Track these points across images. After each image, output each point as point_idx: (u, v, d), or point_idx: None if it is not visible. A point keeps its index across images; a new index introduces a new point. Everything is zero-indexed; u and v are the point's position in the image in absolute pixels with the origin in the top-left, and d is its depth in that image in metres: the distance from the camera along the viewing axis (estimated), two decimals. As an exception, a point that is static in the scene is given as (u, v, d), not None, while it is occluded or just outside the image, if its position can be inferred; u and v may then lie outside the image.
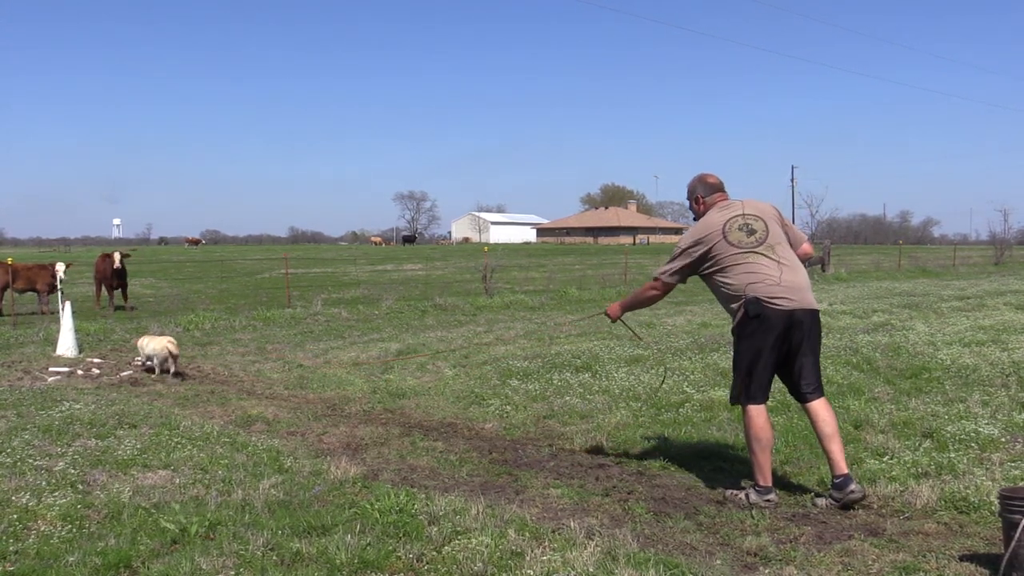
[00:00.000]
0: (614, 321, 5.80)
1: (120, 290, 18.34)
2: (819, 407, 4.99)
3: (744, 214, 5.13)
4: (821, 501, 4.93)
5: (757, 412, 4.99)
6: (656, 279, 5.36)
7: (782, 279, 4.92)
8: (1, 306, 16.89)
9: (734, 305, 5.01)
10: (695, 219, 5.39)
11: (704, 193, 5.33)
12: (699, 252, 5.14)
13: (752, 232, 5.05)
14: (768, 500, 4.92)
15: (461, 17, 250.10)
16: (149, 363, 10.08)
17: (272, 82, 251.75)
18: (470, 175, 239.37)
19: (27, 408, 7.65)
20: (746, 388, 5.03)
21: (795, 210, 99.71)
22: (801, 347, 4.97)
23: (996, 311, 14.24)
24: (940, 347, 9.88)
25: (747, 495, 4.98)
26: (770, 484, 4.98)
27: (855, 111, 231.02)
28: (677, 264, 5.25)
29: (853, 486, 4.81)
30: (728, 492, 5.12)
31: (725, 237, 5.05)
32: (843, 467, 4.89)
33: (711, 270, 5.13)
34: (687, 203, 5.55)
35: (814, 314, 5.03)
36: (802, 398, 5.05)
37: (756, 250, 4.98)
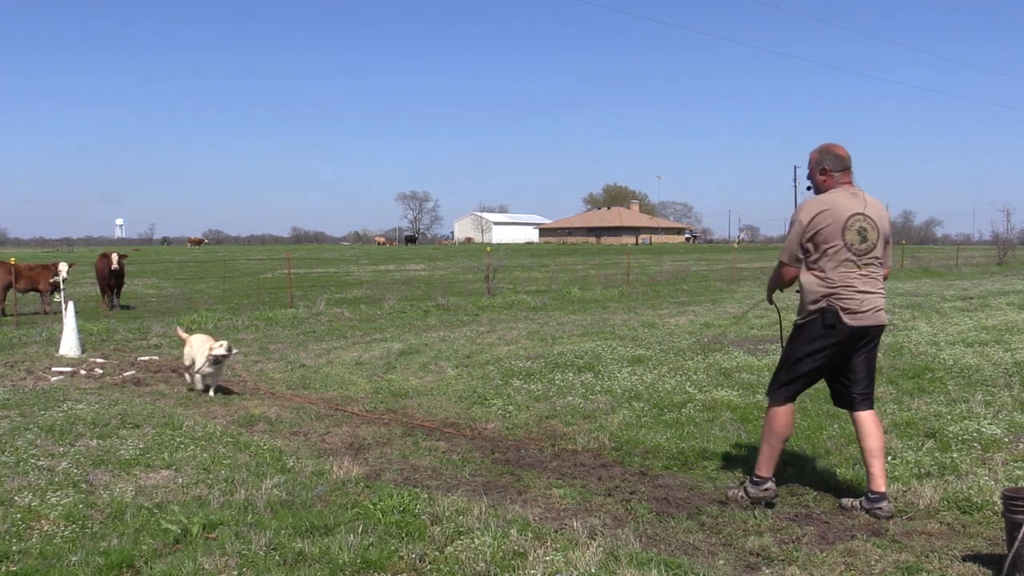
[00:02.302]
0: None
1: (116, 289, 18.40)
2: (868, 419, 4.86)
3: (866, 215, 4.73)
4: (847, 501, 4.89)
5: (786, 410, 4.90)
6: (780, 262, 4.91)
7: (865, 298, 4.71)
8: (4, 306, 16.92)
9: (812, 305, 4.74)
10: (817, 192, 4.89)
11: (833, 166, 4.82)
12: (815, 230, 4.68)
13: (864, 239, 4.71)
14: (766, 490, 4.90)
15: (464, 17, 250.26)
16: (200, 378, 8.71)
17: (275, 82, 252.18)
18: (473, 175, 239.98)
19: (30, 408, 7.66)
20: (787, 387, 4.89)
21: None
22: (860, 357, 4.84)
23: (999, 311, 14.22)
24: (943, 347, 9.87)
25: (745, 490, 4.96)
26: (770, 475, 4.92)
27: (857, 111, 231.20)
28: (794, 241, 4.77)
29: (885, 504, 4.71)
30: (730, 492, 5.08)
31: (844, 231, 4.67)
32: (882, 485, 4.76)
33: (807, 254, 4.76)
34: (808, 177, 4.96)
35: (881, 329, 4.89)
36: (851, 406, 4.90)
37: (859, 260, 4.69)
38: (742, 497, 4.95)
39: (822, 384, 4.80)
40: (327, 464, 5.75)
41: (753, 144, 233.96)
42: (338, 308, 17.29)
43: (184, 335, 9.45)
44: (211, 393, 8.48)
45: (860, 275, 4.71)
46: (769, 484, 4.91)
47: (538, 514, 4.76)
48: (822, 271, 4.70)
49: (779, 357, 5.10)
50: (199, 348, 8.59)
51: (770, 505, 4.91)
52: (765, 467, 4.93)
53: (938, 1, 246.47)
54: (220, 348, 8.42)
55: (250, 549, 4.12)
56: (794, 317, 4.96)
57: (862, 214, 4.70)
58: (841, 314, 4.67)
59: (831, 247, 4.66)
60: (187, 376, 8.91)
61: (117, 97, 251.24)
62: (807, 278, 4.76)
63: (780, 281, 4.97)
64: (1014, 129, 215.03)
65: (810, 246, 4.72)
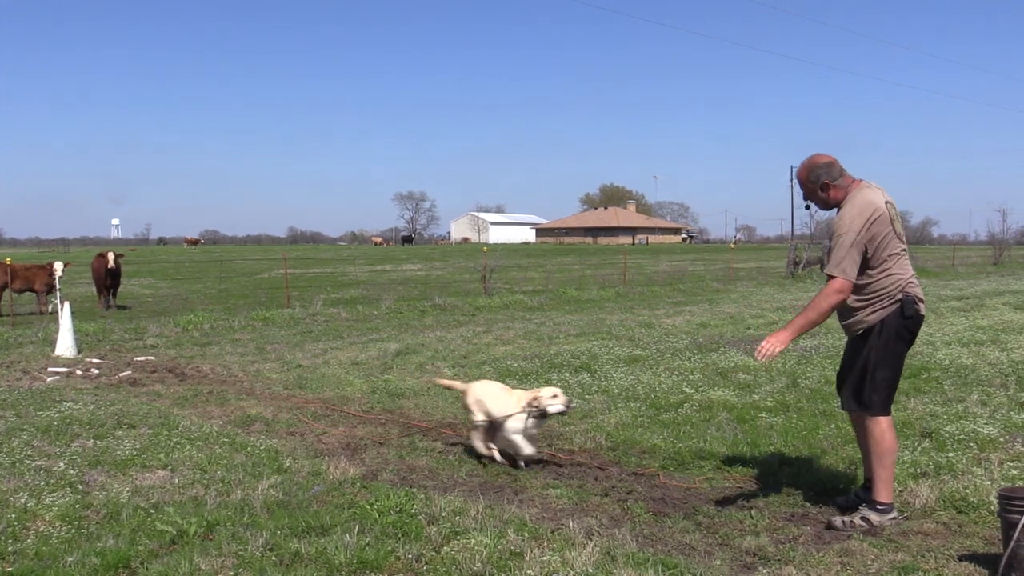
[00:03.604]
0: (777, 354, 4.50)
1: (112, 289, 18.39)
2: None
3: (889, 201, 4.59)
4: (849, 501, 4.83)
5: (890, 423, 4.64)
6: (833, 278, 4.47)
7: (918, 284, 4.62)
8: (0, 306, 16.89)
9: (885, 302, 4.52)
10: (826, 208, 4.73)
11: (831, 177, 4.61)
12: (871, 234, 4.46)
13: (902, 225, 4.64)
14: (894, 519, 4.55)
15: (461, 17, 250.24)
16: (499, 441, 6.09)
17: (271, 82, 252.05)
18: (469, 175, 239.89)
19: (26, 408, 7.64)
20: (887, 396, 4.63)
21: (794, 210, 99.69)
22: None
23: (995, 311, 14.24)
24: (939, 347, 9.89)
25: (865, 518, 4.53)
26: (891, 500, 4.60)
27: (854, 111, 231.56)
28: (855, 254, 4.45)
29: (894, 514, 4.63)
30: (837, 520, 4.57)
31: (892, 221, 4.52)
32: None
33: (866, 260, 4.51)
34: (803, 185, 4.74)
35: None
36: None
37: (904, 247, 4.59)
38: (861, 525, 4.50)
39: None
40: (324, 464, 5.75)
41: (750, 144, 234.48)
42: (335, 308, 17.28)
43: (456, 384, 6.90)
44: (522, 465, 5.93)
45: (908, 261, 4.63)
46: (895, 512, 4.58)
47: (535, 514, 4.76)
48: (884, 267, 4.52)
49: (860, 367, 4.65)
50: (501, 399, 6.09)
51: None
52: (886, 492, 4.58)
53: (935, 1, 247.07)
54: (556, 401, 5.91)
55: (246, 549, 4.11)
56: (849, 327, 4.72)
57: (889, 201, 4.60)
58: (916, 302, 4.57)
59: (886, 241, 4.50)
60: (475, 440, 6.18)
61: (114, 97, 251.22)
62: (874, 283, 4.53)
63: (835, 304, 4.52)
64: (1010, 129, 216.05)
65: (868, 249, 4.49)
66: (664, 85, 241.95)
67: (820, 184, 4.64)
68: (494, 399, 6.09)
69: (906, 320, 4.54)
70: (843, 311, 4.68)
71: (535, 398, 5.91)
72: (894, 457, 4.64)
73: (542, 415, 5.92)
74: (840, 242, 4.47)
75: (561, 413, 5.98)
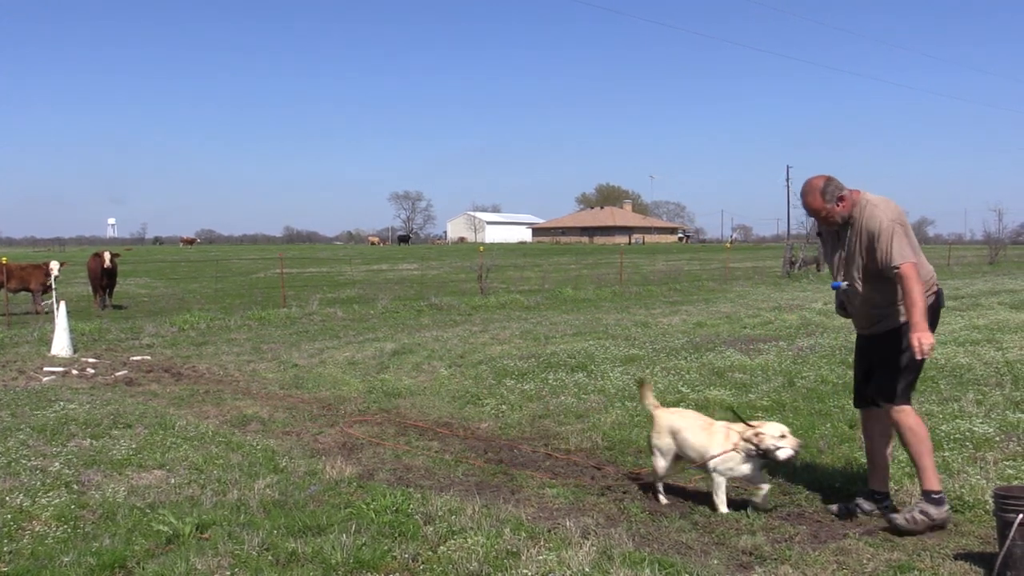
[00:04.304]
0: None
1: (108, 289, 18.37)
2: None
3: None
4: (867, 506, 4.79)
5: (914, 411, 4.67)
6: (907, 264, 4.46)
7: None
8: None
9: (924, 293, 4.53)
10: (840, 222, 4.69)
11: (840, 188, 4.67)
12: (906, 227, 4.56)
13: None
14: (949, 510, 4.49)
15: (456, 17, 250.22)
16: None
17: (267, 82, 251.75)
18: (466, 175, 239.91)
19: (22, 408, 7.63)
20: (911, 386, 4.66)
21: (790, 210, 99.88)
22: None
23: (991, 310, 14.27)
24: (935, 346, 9.89)
25: (924, 512, 4.42)
26: (941, 487, 4.56)
27: (850, 111, 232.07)
28: (906, 238, 4.52)
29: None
30: (898, 519, 4.45)
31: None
32: (886, 486, 4.84)
33: None
34: (820, 210, 4.70)
35: None
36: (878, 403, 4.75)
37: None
38: (922, 520, 4.40)
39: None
40: (320, 464, 5.75)
41: (746, 144, 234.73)
42: (331, 308, 17.27)
43: (652, 402, 5.38)
44: (722, 508, 4.81)
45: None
46: (947, 504, 4.52)
47: (531, 513, 4.77)
48: (921, 265, 4.60)
49: (890, 364, 4.63)
50: (702, 433, 4.98)
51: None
52: (935, 479, 4.52)
53: (932, 2, 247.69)
54: (785, 443, 4.75)
55: (243, 549, 4.11)
56: (879, 321, 4.71)
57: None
58: (942, 294, 4.72)
59: (913, 237, 4.61)
60: (656, 479, 5.12)
61: (110, 96, 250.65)
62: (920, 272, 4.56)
63: (923, 287, 4.51)
64: (1006, 129, 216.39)
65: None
66: (661, 84, 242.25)
67: (838, 196, 4.66)
68: (693, 433, 4.98)
69: (933, 313, 4.60)
70: (873, 311, 4.70)
71: (757, 435, 4.75)
72: (931, 442, 4.65)
73: (762, 456, 4.74)
74: (888, 235, 4.49)
75: (788, 460, 4.81)
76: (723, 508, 4.79)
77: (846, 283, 4.78)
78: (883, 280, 4.59)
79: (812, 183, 4.71)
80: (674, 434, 5.02)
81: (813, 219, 4.92)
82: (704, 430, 4.96)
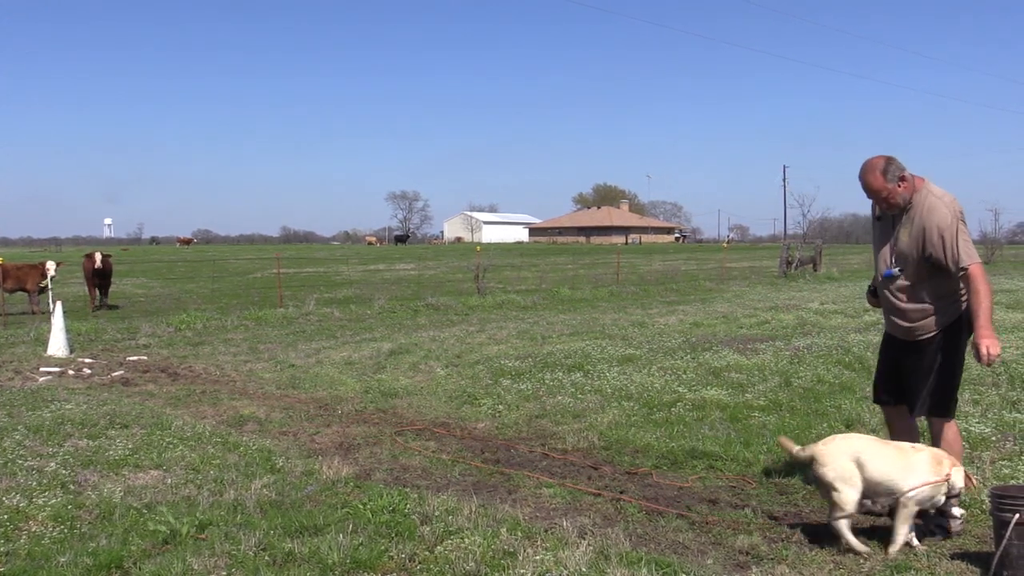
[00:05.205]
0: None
1: (102, 289, 18.36)
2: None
3: None
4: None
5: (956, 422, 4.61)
6: (975, 264, 4.38)
7: None
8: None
9: (962, 299, 4.48)
10: (900, 206, 4.52)
11: (902, 168, 4.50)
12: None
13: None
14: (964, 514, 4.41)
15: (453, 17, 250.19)
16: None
17: (264, 82, 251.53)
18: (462, 175, 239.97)
19: (18, 408, 7.62)
20: (956, 398, 4.57)
21: (787, 210, 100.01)
22: None
23: (986, 310, 14.28)
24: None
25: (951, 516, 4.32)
26: None
27: (846, 111, 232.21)
28: (971, 237, 4.45)
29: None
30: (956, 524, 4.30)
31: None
32: None
33: None
34: (880, 191, 4.50)
35: None
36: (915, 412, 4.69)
37: None
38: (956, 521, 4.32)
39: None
40: (317, 464, 5.75)
41: (743, 144, 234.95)
42: (328, 308, 17.26)
43: (796, 449, 4.50)
44: (894, 550, 4.09)
45: None
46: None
47: (528, 513, 4.77)
48: None
49: (937, 372, 4.53)
50: (896, 460, 4.19)
51: None
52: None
53: (930, 2, 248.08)
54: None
55: (239, 549, 4.11)
56: (928, 326, 4.58)
57: None
58: None
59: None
60: (844, 530, 4.14)
61: (107, 96, 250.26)
62: (955, 281, 4.49)
63: (989, 290, 4.42)
64: (1003, 129, 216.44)
65: None
66: (658, 84, 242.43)
67: (899, 178, 4.47)
68: (884, 461, 4.17)
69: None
70: (912, 316, 4.58)
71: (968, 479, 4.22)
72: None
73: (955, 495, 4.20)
74: (953, 233, 4.35)
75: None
76: (902, 541, 4.13)
77: (898, 269, 4.58)
78: (933, 276, 4.46)
79: (872, 162, 4.52)
80: (862, 465, 4.17)
81: (872, 201, 4.66)
82: (895, 456, 4.23)
